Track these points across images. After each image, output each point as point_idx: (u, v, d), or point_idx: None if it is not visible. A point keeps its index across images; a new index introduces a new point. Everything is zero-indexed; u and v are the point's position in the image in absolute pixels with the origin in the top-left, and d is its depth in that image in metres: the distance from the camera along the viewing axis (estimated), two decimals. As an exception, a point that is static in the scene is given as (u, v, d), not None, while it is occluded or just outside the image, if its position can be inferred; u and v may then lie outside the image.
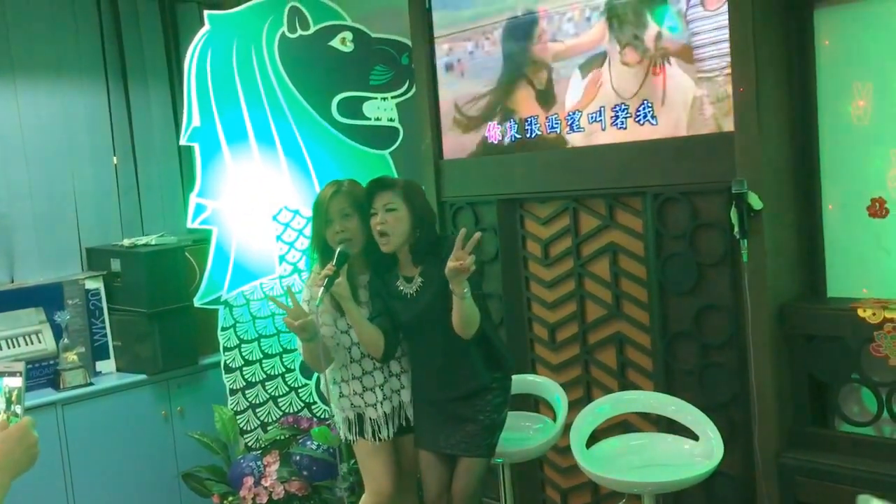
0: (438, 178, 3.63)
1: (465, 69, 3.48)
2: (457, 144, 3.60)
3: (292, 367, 3.78)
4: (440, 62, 3.58)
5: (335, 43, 3.74)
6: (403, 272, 2.69)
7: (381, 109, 3.76)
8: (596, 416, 2.76)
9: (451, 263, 2.37)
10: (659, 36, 2.86)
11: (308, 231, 3.71)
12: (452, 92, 3.57)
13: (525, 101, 3.32)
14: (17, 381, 1.48)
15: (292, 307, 2.56)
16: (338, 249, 2.57)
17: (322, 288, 2.50)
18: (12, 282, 3.98)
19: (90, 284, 3.94)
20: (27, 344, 3.74)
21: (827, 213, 2.80)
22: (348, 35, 3.74)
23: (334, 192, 2.69)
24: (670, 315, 2.98)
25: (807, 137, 2.81)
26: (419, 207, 2.63)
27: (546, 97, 3.24)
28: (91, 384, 3.74)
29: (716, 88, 2.75)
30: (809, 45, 2.76)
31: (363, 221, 2.66)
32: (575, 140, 3.17)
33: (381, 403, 2.74)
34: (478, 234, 2.42)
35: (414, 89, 3.73)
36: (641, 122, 2.95)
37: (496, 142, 3.44)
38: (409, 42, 3.72)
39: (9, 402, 1.47)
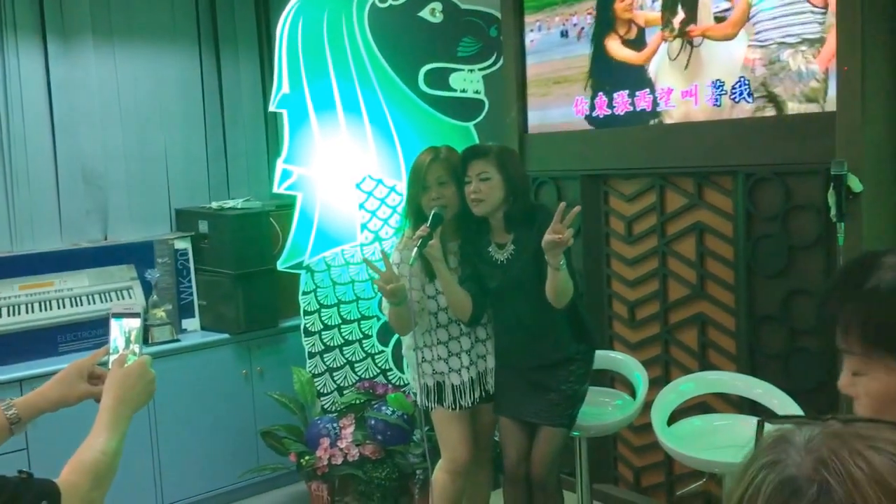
0: (522, 151, 3.62)
1: (582, 34, 3.42)
2: (546, 115, 3.59)
3: (370, 334, 3.84)
4: (555, 30, 3.53)
5: (424, 13, 3.74)
6: (495, 239, 2.71)
7: (467, 81, 3.75)
8: (679, 394, 2.74)
9: (548, 236, 2.38)
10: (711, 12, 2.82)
11: (390, 200, 3.76)
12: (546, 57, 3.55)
13: (613, 68, 3.29)
14: (135, 322, 1.55)
15: (385, 270, 2.61)
16: (433, 211, 2.61)
17: (416, 248, 2.54)
18: (106, 239, 4.14)
19: (179, 244, 4.07)
20: (118, 298, 3.87)
21: (930, 198, 2.71)
22: (438, 6, 3.74)
23: (432, 160, 2.71)
24: (757, 297, 2.94)
25: (912, 120, 2.71)
26: (513, 175, 2.65)
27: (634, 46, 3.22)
28: (177, 340, 3.88)
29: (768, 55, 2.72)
30: (920, 24, 2.67)
31: (459, 189, 2.69)
32: (664, 117, 3.13)
33: (468, 369, 2.77)
34: (577, 208, 2.43)
35: (501, 62, 3.72)
36: (737, 99, 2.89)
37: (583, 116, 3.42)
38: (498, 14, 3.71)
39: (128, 341, 1.54)
